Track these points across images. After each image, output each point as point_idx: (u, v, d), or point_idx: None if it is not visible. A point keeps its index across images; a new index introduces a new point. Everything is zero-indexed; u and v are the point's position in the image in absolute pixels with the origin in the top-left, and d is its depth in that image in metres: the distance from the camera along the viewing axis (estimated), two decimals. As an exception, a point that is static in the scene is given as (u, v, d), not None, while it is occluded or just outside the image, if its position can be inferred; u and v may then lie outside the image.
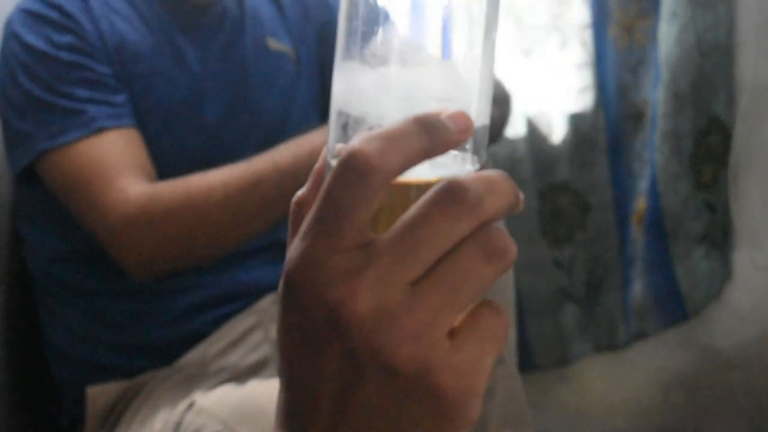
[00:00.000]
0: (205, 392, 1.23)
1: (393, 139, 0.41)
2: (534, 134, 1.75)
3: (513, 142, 1.74)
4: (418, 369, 0.40)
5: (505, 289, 1.27)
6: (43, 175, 1.24)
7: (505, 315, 0.44)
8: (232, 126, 1.34)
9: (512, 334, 1.26)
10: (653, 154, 1.75)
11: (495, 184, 0.42)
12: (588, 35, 1.72)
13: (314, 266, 0.41)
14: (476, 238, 0.41)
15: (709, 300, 1.82)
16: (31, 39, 1.24)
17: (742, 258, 1.83)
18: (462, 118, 0.43)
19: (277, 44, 1.41)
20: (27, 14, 1.26)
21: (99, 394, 1.29)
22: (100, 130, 1.20)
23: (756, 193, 1.80)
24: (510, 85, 1.54)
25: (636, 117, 1.75)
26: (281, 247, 1.38)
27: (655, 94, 1.73)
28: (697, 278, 1.80)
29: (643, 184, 1.77)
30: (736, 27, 1.75)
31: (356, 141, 0.41)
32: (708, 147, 1.76)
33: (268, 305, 1.35)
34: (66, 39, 1.24)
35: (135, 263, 1.20)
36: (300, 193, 0.48)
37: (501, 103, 1.38)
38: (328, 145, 0.46)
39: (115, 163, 1.19)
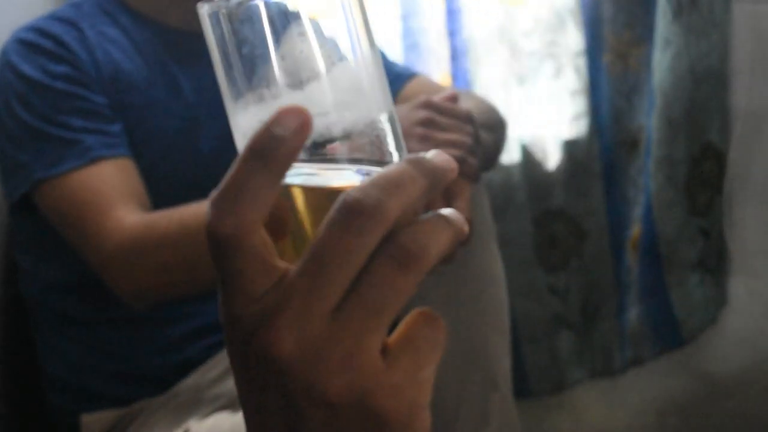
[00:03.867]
0: (200, 420, 1.22)
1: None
2: (529, 161, 1.75)
3: (507, 169, 1.74)
4: (354, 398, 0.40)
5: (501, 316, 1.26)
6: (39, 205, 1.24)
7: (440, 320, 0.43)
8: (227, 155, 1.33)
9: (507, 361, 1.26)
10: (648, 180, 1.75)
11: (394, 180, 0.40)
12: (582, 62, 1.72)
13: (235, 322, 0.41)
14: (385, 249, 0.40)
15: (705, 326, 1.82)
16: (27, 69, 1.24)
17: (737, 284, 1.83)
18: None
19: (270, 73, 1.41)
20: (22, 44, 1.26)
21: (94, 422, 1.29)
22: (95, 160, 1.20)
23: (751, 219, 1.80)
24: (505, 112, 1.55)
25: (630, 143, 1.76)
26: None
27: (650, 121, 1.73)
28: (692, 304, 1.80)
29: (637, 211, 1.77)
30: (730, 54, 1.75)
31: None
32: (702, 173, 1.76)
33: (263, 333, 1.35)
34: (61, 69, 1.24)
35: (131, 292, 1.19)
36: None
37: (496, 129, 1.38)
38: None
39: (111, 192, 1.19)
